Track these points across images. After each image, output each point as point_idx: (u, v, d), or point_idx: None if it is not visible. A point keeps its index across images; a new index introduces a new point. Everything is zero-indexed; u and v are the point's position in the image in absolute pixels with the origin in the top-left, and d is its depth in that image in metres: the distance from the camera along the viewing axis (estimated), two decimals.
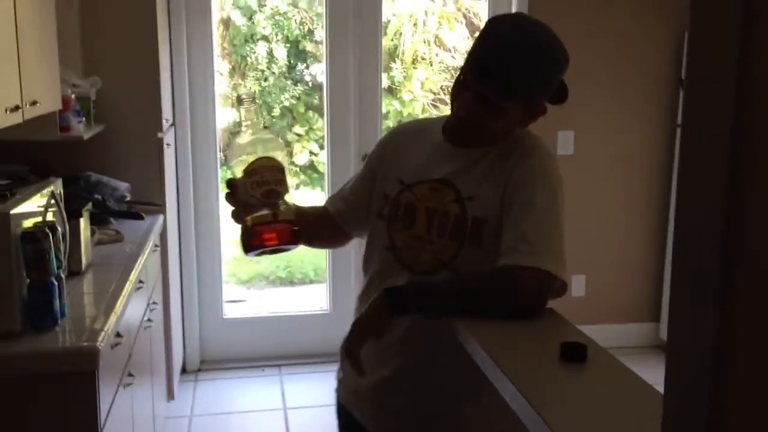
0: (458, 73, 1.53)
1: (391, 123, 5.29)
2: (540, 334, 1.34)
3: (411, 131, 1.67)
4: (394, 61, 5.59)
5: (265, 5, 5.85)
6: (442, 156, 1.56)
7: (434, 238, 1.50)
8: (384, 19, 4.10)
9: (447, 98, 1.61)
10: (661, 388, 1.09)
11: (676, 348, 0.63)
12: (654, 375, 1.20)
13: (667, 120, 4.22)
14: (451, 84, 1.56)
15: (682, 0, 4.09)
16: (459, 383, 1.55)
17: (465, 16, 5.46)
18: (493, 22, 1.51)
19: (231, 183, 1.42)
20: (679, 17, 4.11)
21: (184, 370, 4.03)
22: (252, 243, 1.30)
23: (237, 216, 1.42)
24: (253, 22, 5.97)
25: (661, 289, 4.35)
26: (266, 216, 1.29)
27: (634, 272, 4.37)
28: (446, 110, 1.72)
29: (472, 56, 1.46)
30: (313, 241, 1.74)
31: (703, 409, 0.58)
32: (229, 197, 1.43)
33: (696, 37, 0.60)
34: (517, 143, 1.52)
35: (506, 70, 1.41)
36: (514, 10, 4.01)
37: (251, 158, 1.35)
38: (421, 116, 4.55)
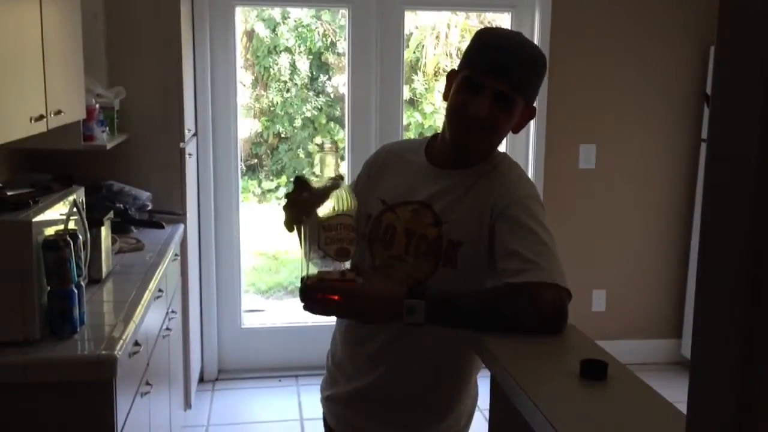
0: (446, 93, 1.56)
1: (412, 134, 5.30)
2: (560, 350, 1.33)
3: (395, 152, 1.68)
4: (416, 74, 5.60)
5: (289, 17, 5.89)
6: (424, 178, 1.58)
7: (410, 258, 1.53)
8: (406, 31, 4.10)
9: None
10: (682, 406, 1.08)
11: (700, 368, 0.61)
12: (675, 392, 1.18)
13: (690, 134, 4.18)
14: None
15: (707, 13, 4.06)
16: (438, 397, 1.59)
17: None
18: (485, 30, 1.60)
19: (300, 182, 1.37)
20: (704, 30, 4.07)
21: (201, 380, 4.04)
22: (317, 299, 1.28)
23: (291, 224, 1.40)
24: (277, 34, 6.02)
25: (683, 304, 4.30)
26: (335, 274, 1.29)
27: (655, 288, 4.32)
28: None
29: (478, 60, 1.50)
30: None
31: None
32: (291, 205, 1.39)
33: (723, 50, 0.59)
34: (496, 166, 1.57)
35: (517, 65, 1.48)
36: (536, 23, 4.01)
37: (330, 205, 1.31)
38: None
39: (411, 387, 1.57)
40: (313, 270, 1.30)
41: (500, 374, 1.26)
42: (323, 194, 1.33)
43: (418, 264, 1.53)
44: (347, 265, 1.31)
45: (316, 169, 1.38)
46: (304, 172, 6.37)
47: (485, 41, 1.51)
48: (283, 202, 1.43)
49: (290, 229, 1.40)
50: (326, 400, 1.73)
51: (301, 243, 1.36)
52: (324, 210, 1.30)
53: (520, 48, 1.50)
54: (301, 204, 1.36)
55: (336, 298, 1.31)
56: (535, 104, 1.59)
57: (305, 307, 1.35)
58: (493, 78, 1.46)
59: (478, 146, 1.54)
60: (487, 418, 1.58)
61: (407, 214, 1.56)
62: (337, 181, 1.33)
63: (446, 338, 1.50)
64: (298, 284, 1.35)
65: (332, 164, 1.34)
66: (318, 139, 6.25)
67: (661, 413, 1.08)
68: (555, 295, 1.37)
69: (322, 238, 1.27)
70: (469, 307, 1.42)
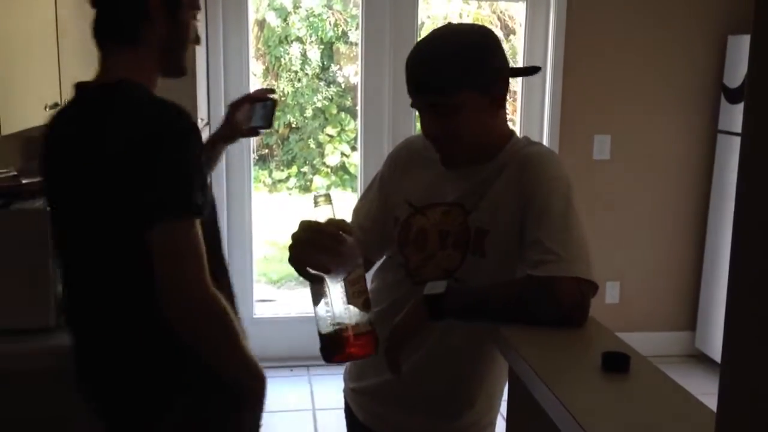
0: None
1: None
2: (581, 343, 1.31)
3: (417, 149, 1.63)
4: None
5: (300, 7, 5.87)
6: (450, 177, 1.55)
7: (440, 250, 1.52)
8: (419, 21, 4.08)
9: None
10: (698, 398, 1.06)
11: (731, 364, 0.60)
12: (690, 385, 1.16)
13: (706, 126, 4.14)
14: None
15: (724, 3, 4.01)
16: (470, 386, 1.58)
17: (499, 19, 5.42)
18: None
19: (331, 229, 1.27)
20: (721, 20, 4.02)
21: None
22: (350, 352, 1.28)
23: (300, 266, 1.28)
24: (288, 24, 6.00)
25: (697, 297, 4.27)
26: (367, 326, 1.28)
27: (669, 280, 4.29)
28: None
29: (407, 84, 1.47)
30: None
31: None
32: (300, 253, 1.28)
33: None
34: (519, 153, 1.51)
35: (430, 71, 1.42)
36: (552, 12, 3.97)
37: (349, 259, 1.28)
38: None
39: (442, 378, 1.56)
40: (343, 321, 1.27)
41: (520, 366, 1.25)
42: (352, 249, 1.28)
43: (446, 254, 1.51)
44: (370, 315, 1.30)
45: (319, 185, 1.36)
46: (314, 162, 6.37)
47: (406, 63, 1.46)
48: (295, 217, 1.37)
49: (300, 273, 1.30)
50: (352, 392, 1.71)
51: (316, 297, 1.29)
52: (348, 264, 1.27)
53: (432, 50, 1.43)
54: (310, 254, 1.28)
55: (368, 350, 1.30)
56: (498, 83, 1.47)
57: (338, 361, 1.31)
58: (418, 96, 1.45)
59: (454, 157, 1.52)
60: (504, 411, 1.57)
61: (437, 216, 1.54)
62: (342, 241, 1.28)
63: (475, 328, 1.48)
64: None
65: (329, 215, 1.30)
66: (329, 130, 6.24)
67: (685, 407, 1.07)
68: (575, 290, 1.35)
69: (350, 293, 1.26)
70: (489, 299, 1.41)
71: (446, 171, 1.55)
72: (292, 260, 1.28)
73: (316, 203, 1.31)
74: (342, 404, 1.77)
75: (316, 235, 1.27)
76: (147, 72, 1.51)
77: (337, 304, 1.26)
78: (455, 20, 5.44)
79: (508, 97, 1.55)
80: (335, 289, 1.26)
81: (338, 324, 1.26)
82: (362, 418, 1.68)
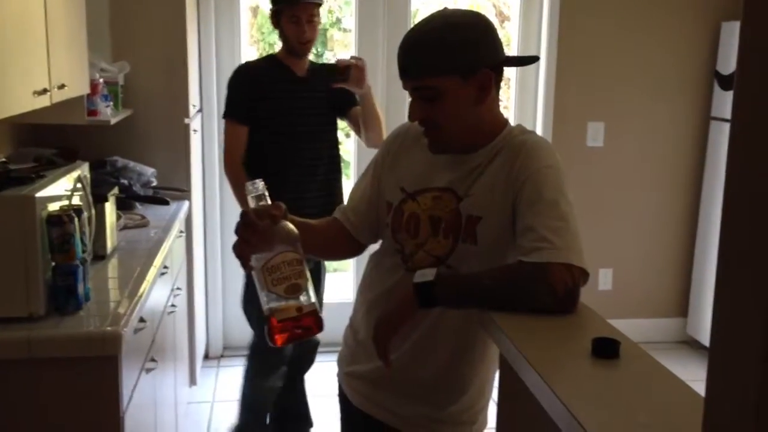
0: None
1: None
2: (571, 328, 1.31)
3: (412, 135, 1.63)
4: None
5: None
6: (442, 163, 1.55)
7: (431, 237, 1.52)
8: (413, 8, 4.05)
9: None
10: (690, 385, 1.06)
11: (720, 349, 0.59)
12: (681, 371, 1.17)
13: (700, 113, 4.13)
14: None
15: None
16: (462, 372, 1.58)
17: (494, 6, 5.39)
18: None
19: (246, 219, 1.32)
20: (715, 7, 4.01)
21: (206, 356, 4.05)
22: (279, 339, 1.28)
23: (244, 265, 1.33)
24: None
25: (689, 284, 4.28)
26: (291, 311, 1.27)
27: (661, 267, 4.30)
28: None
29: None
30: (329, 257, 1.71)
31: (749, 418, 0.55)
32: (244, 231, 1.32)
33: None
34: (513, 140, 1.51)
35: (415, 54, 1.45)
36: (546, 0, 3.95)
37: (270, 245, 1.30)
38: None
39: (435, 364, 1.56)
40: (270, 307, 1.28)
41: (510, 352, 1.24)
42: (260, 235, 1.31)
43: (437, 241, 1.51)
44: (303, 298, 1.29)
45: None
46: None
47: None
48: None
49: (245, 268, 1.35)
50: (346, 376, 1.72)
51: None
52: (264, 251, 1.29)
53: (421, 37, 1.45)
54: (248, 242, 1.32)
55: (299, 332, 1.30)
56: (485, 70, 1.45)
57: (276, 344, 1.32)
58: (405, 79, 1.48)
59: (441, 143, 1.52)
60: (495, 396, 1.57)
61: (428, 202, 1.54)
62: (274, 219, 1.32)
63: (469, 314, 1.48)
64: None
65: (260, 202, 1.33)
66: None
67: (675, 392, 1.07)
68: (566, 276, 1.34)
69: (269, 282, 1.26)
70: (480, 285, 1.40)
71: (439, 157, 1.55)
72: (234, 250, 1.35)
73: (249, 192, 1.34)
74: (336, 390, 1.77)
75: (239, 225, 1.33)
76: (283, 52, 2.93)
77: (261, 292, 1.29)
78: (450, 6, 5.42)
79: (501, 85, 1.54)
80: (257, 277, 1.29)
81: (268, 310, 1.28)
82: (356, 402, 1.68)
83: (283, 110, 2.85)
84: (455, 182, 1.52)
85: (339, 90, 2.87)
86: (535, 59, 1.64)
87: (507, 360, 1.29)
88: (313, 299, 1.31)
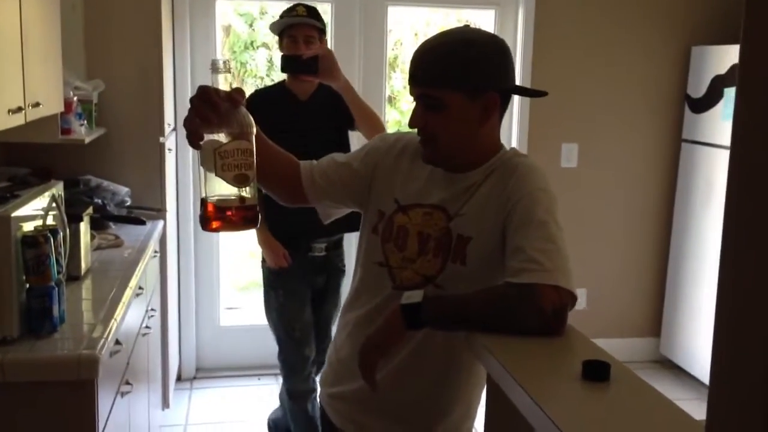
0: None
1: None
2: (561, 351, 1.31)
3: (412, 148, 1.61)
4: (394, 71, 5.57)
5: (267, 13, 5.83)
6: (437, 181, 1.55)
7: (420, 255, 1.51)
8: (388, 29, 4.07)
9: None
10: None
11: (721, 376, 0.59)
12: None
13: (671, 135, 4.20)
14: None
15: (688, 15, 4.08)
16: (448, 392, 1.57)
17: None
18: None
19: (207, 96, 1.23)
20: (685, 32, 4.10)
21: (179, 378, 3.98)
22: (214, 224, 1.26)
23: (193, 140, 1.25)
24: (254, 29, 5.95)
25: (662, 304, 4.32)
26: (233, 200, 1.25)
27: (635, 287, 4.34)
28: None
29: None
30: (263, 185, 1.58)
31: None
32: (192, 118, 1.24)
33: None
34: (506, 161, 1.52)
35: (428, 63, 1.45)
36: (520, 22, 4.01)
37: (226, 129, 1.23)
38: None
39: (420, 385, 1.55)
40: (213, 191, 1.24)
41: (500, 375, 1.24)
42: (219, 115, 1.24)
43: (426, 260, 1.50)
44: (247, 191, 1.26)
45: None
46: None
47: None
48: None
49: (187, 138, 1.27)
50: (329, 397, 1.69)
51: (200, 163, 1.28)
52: (219, 134, 1.23)
53: (436, 46, 1.46)
54: (206, 118, 1.24)
55: (236, 221, 1.25)
56: (496, 93, 1.47)
57: (208, 230, 1.27)
58: (413, 85, 1.48)
59: (434, 156, 1.52)
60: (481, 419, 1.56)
61: (419, 217, 1.53)
62: (234, 103, 1.26)
63: (455, 335, 1.47)
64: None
65: (226, 84, 1.26)
66: None
67: (666, 415, 1.07)
68: (555, 298, 1.34)
69: (219, 167, 1.23)
70: (468, 307, 1.40)
71: (435, 174, 1.55)
72: (184, 123, 1.26)
73: (215, 69, 1.28)
74: None
75: (196, 98, 1.24)
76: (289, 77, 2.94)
77: (205, 173, 1.23)
78: (422, 30, 5.45)
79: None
80: (207, 157, 1.22)
81: (207, 194, 1.24)
82: (339, 423, 1.66)
83: (283, 133, 2.81)
84: (447, 201, 1.52)
85: (341, 107, 2.80)
86: (543, 94, 1.64)
87: (494, 381, 1.29)
88: (256, 196, 1.27)
